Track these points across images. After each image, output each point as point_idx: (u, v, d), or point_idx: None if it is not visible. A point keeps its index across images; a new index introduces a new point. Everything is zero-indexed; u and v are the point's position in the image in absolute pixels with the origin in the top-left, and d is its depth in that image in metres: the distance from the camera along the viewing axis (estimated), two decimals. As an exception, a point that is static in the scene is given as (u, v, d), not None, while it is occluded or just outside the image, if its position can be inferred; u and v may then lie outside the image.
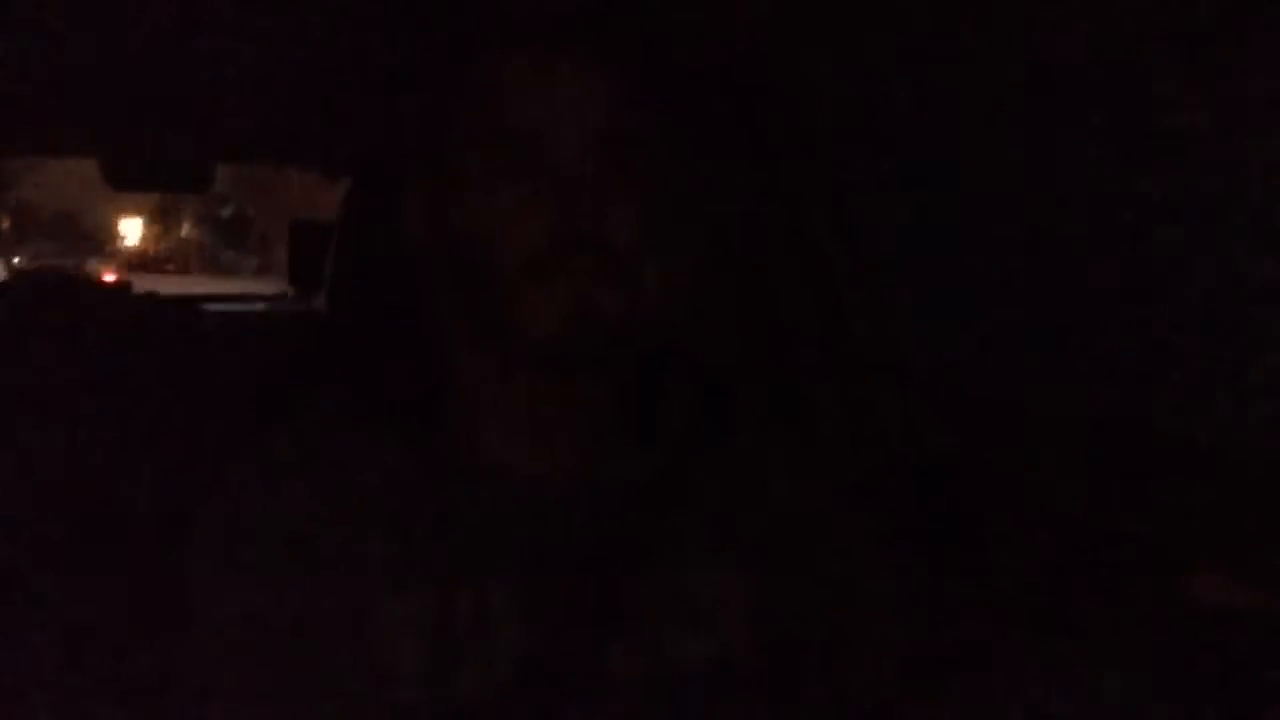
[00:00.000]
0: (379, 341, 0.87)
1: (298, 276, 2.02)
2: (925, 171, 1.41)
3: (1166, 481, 1.00)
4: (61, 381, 1.25)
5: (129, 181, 3.13)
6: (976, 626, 0.98)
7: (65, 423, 1.23)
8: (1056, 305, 1.28)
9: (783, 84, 1.24)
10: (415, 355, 0.79)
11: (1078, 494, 1.06)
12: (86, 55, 1.28)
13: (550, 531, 0.71)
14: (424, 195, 0.74)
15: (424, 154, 0.75)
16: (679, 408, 0.81)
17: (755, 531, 0.76)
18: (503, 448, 0.73)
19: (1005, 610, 1.00)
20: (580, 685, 0.62)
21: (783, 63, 1.23)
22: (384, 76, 1.05)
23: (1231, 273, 1.08)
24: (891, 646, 0.77)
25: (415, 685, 0.67)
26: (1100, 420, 1.12)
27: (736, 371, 1.26)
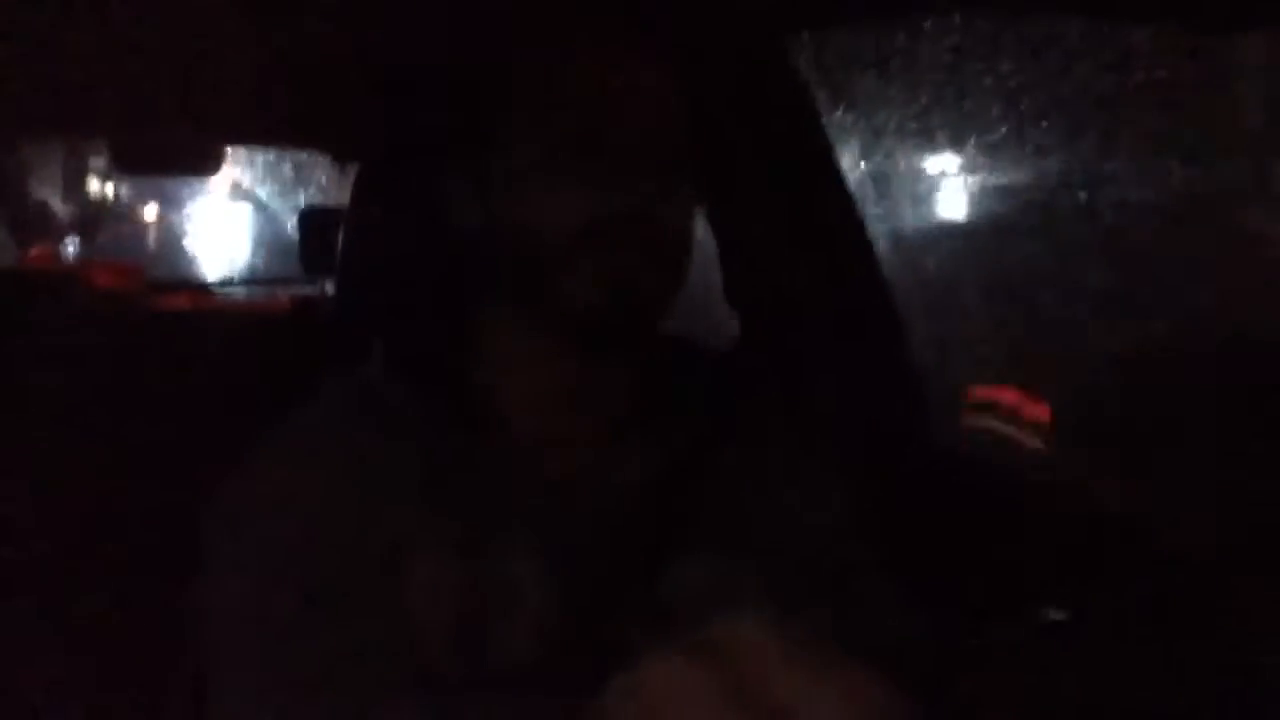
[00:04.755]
0: (396, 321, 0.88)
1: (309, 263, 2.05)
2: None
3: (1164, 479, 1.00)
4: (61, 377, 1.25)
5: (138, 165, 3.12)
6: (979, 626, 0.98)
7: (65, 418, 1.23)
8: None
9: (789, 77, 1.24)
10: (436, 332, 0.80)
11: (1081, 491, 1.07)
12: (94, 39, 1.28)
13: (575, 507, 0.73)
14: (470, 179, 0.76)
15: (470, 140, 0.76)
16: (692, 403, 0.82)
17: (760, 528, 0.77)
18: (529, 421, 0.75)
19: (1009, 610, 1.00)
20: (603, 657, 0.64)
21: (784, 56, 1.23)
22: (414, 68, 1.05)
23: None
24: (893, 646, 0.78)
25: (441, 656, 0.67)
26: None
27: (743, 368, 1.26)
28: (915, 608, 0.80)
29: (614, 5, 0.76)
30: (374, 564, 0.68)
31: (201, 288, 3.42)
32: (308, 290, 2.48)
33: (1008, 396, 1.65)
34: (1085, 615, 0.95)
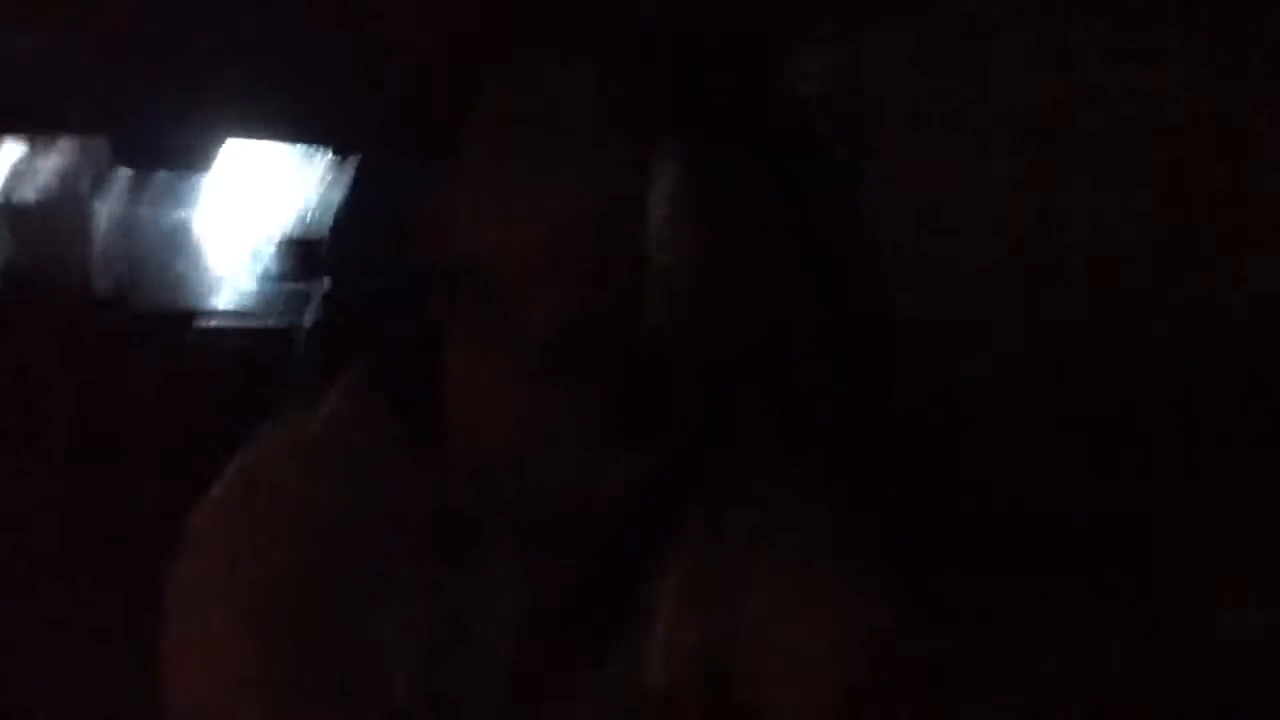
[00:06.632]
0: (376, 342, 0.88)
1: (295, 286, 2.05)
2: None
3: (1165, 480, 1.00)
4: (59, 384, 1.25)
5: (138, 159, 3.11)
6: (976, 627, 0.98)
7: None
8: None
9: (784, 77, 1.23)
10: (412, 352, 0.79)
11: (1077, 492, 1.07)
12: (94, 32, 1.27)
13: (549, 529, 0.72)
14: (432, 200, 0.75)
15: (436, 155, 0.75)
16: (676, 410, 0.81)
17: (752, 533, 0.77)
18: (506, 442, 0.73)
19: (1005, 611, 1.00)
20: (574, 687, 0.63)
21: (783, 55, 1.22)
22: (397, 65, 1.05)
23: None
24: (889, 647, 0.78)
25: (410, 682, 0.67)
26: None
27: (733, 372, 1.26)
28: (912, 606, 0.80)
29: (581, 18, 0.75)
30: (348, 587, 0.68)
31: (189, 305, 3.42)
32: (287, 317, 2.49)
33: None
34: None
